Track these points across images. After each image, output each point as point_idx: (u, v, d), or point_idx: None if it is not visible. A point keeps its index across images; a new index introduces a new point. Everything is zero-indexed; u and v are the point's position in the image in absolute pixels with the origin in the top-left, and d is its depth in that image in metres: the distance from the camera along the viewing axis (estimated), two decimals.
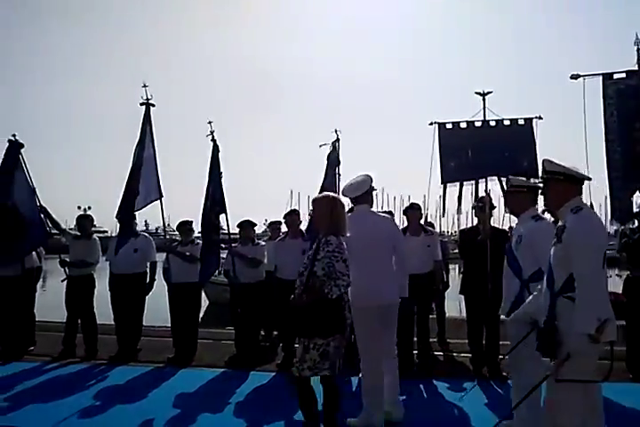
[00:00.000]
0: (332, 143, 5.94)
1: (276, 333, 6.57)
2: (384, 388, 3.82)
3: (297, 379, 3.36)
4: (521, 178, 4.08)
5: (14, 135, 6.26)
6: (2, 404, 4.50)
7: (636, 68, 4.85)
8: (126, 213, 5.98)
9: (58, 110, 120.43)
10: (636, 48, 4.85)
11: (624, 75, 4.95)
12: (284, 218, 6.13)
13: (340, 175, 5.88)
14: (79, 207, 61.57)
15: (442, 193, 5.54)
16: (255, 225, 6.43)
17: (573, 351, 2.62)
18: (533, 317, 3.06)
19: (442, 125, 5.47)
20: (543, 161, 2.90)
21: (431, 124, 5.49)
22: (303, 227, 5.91)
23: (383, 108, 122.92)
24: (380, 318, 3.82)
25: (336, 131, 5.98)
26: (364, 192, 3.96)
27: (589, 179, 2.85)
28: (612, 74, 4.96)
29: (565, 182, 2.81)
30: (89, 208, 47.96)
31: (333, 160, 5.88)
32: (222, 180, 6.03)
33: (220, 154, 6.05)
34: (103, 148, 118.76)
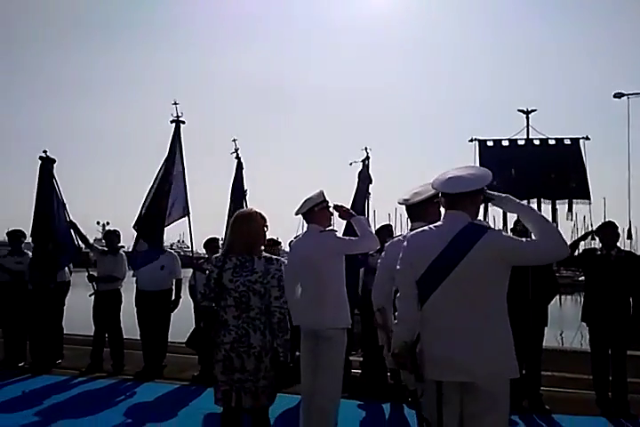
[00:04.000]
0: (362, 161, 6.05)
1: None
2: None
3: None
4: None
5: (45, 152, 6.62)
6: (33, 418, 4.79)
7: None
8: (154, 230, 6.19)
9: (81, 126, 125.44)
10: None
11: None
12: None
13: (369, 194, 6.00)
14: (98, 222, 63.36)
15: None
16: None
17: None
18: None
19: (482, 143, 5.49)
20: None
21: (471, 140, 5.53)
22: None
23: (418, 124, 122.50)
24: (306, 345, 3.76)
25: (366, 148, 6.07)
26: (308, 209, 3.86)
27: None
28: None
29: None
30: (107, 224, 49.11)
31: (365, 178, 5.99)
32: (247, 197, 6.29)
33: (244, 171, 6.31)
34: (122, 164, 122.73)
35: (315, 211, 3.86)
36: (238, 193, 6.22)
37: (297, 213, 3.94)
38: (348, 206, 5.71)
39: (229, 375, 3.17)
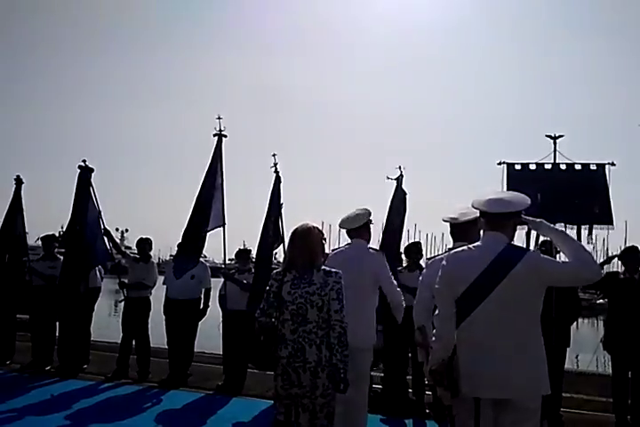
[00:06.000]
0: (396, 179, 6.17)
1: None
2: None
3: None
4: None
5: (84, 161, 6.81)
6: (64, 422, 4.92)
7: None
8: (193, 239, 6.30)
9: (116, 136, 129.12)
10: None
11: None
12: None
13: (405, 211, 6.12)
14: (117, 229, 64.03)
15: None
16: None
17: None
18: None
19: (511, 166, 5.63)
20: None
21: (500, 163, 5.65)
22: None
23: (448, 146, 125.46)
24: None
25: (400, 167, 6.17)
26: (360, 225, 4.09)
27: None
28: None
29: None
30: (126, 231, 49.30)
31: (400, 196, 6.09)
32: (282, 211, 6.46)
33: (281, 185, 6.49)
34: (143, 174, 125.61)
35: (367, 226, 4.14)
36: (275, 206, 6.40)
37: (351, 226, 4.12)
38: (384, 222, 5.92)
39: (288, 390, 3.19)
